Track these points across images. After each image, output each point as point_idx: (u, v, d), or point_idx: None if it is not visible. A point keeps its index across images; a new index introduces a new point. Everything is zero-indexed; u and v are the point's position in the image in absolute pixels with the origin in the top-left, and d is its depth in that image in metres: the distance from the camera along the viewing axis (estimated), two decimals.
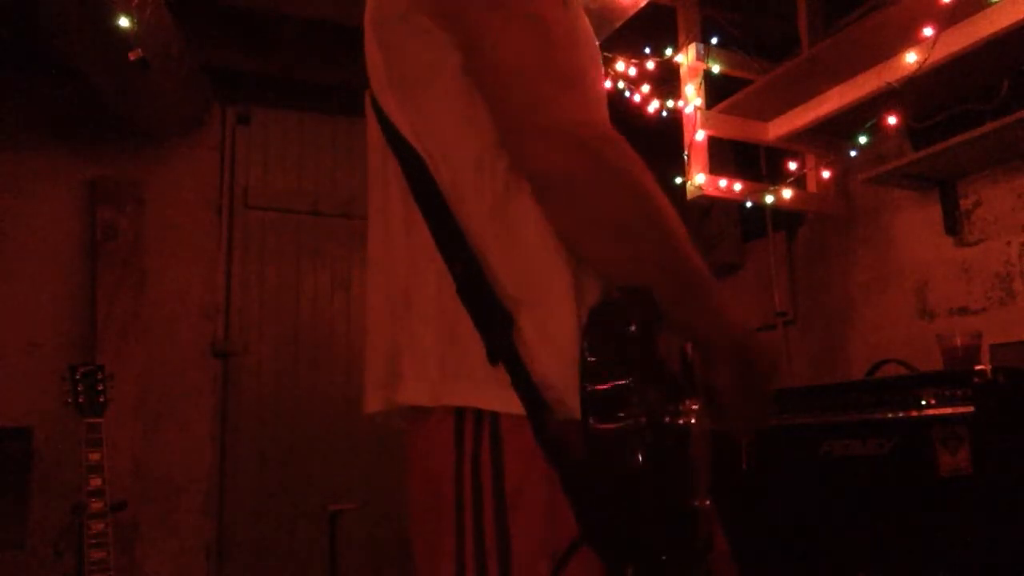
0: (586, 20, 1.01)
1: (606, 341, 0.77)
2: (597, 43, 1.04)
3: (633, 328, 0.77)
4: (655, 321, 0.78)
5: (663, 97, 3.16)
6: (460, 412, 0.82)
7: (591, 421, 0.75)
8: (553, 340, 0.81)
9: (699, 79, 3.01)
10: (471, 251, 0.84)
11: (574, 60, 0.85)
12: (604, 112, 0.93)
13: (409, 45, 0.91)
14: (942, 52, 2.39)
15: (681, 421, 0.80)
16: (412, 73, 0.91)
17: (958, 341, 2.27)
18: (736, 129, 3.09)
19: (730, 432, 0.91)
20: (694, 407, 0.82)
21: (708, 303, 0.85)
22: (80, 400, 2.46)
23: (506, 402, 0.80)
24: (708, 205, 3.66)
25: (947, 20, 2.34)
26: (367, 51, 0.97)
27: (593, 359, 0.77)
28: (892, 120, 2.64)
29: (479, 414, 0.81)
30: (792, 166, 3.11)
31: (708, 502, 0.83)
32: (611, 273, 0.82)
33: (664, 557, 0.77)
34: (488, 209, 0.85)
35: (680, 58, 3.05)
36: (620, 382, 0.75)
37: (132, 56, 2.46)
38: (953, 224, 2.86)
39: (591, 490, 0.76)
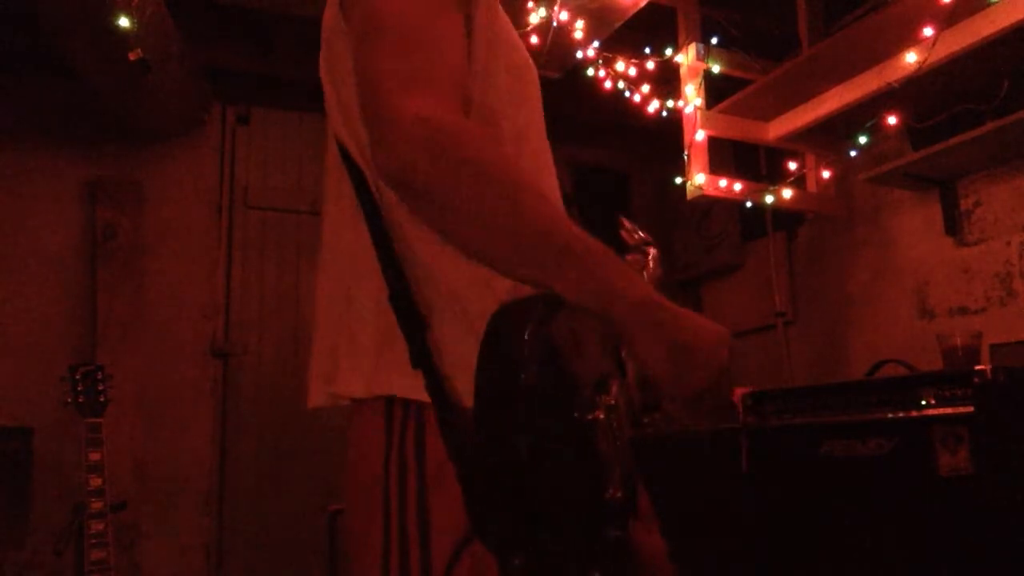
0: (508, 34, 1.03)
1: (503, 342, 0.78)
2: (526, 69, 1.05)
3: (530, 326, 0.77)
4: (554, 316, 0.78)
5: (663, 97, 3.16)
6: (390, 401, 0.90)
7: (481, 417, 0.78)
8: (459, 341, 0.87)
9: (699, 79, 3.01)
10: (397, 260, 0.91)
11: (432, 70, 0.84)
12: (461, 107, 0.88)
13: (340, 63, 0.97)
14: (942, 52, 2.39)
15: (588, 416, 0.81)
16: (347, 90, 0.96)
17: (958, 341, 2.26)
18: (736, 129, 3.09)
19: (682, 412, 0.88)
20: (609, 402, 0.83)
21: (593, 273, 0.79)
22: (80, 400, 2.46)
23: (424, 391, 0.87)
24: (708, 205, 3.66)
25: (947, 20, 2.34)
26: (320, 72, 1.02)
27: (491, 358, 0.78)
28: (892, 120, 2.64)
29: (407, 403, 0.89)
30: (792, 166, 3.11)
31: (619, 494, 0.83)
32: (480, 260, 0.82)
33: (555, 548, 0.77)
34: (406, 218, 0.91)
35: (680, 58, 3.05)
36: (515, 381, 0.76)
37: (132, 56, 2.46)
38: (953, 224, 2.86)
39: (478, 483, 0.80)
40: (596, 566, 0.80)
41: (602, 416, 0.82)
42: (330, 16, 1.00)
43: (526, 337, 0.77)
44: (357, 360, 0.93)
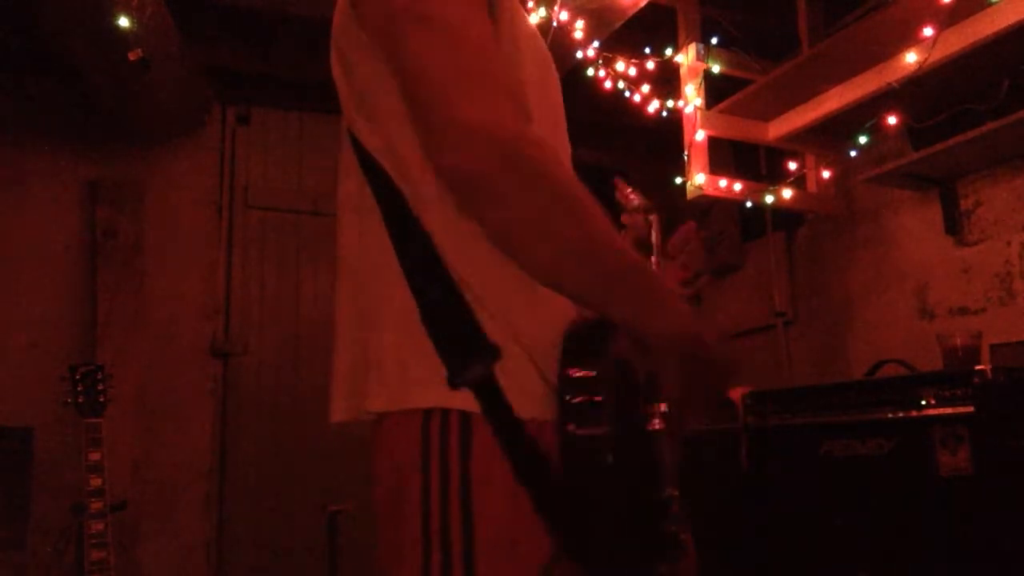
0: (528, 25, 1.03)
1: (581, 361, 0.83)
2: (545, 59, 1.05)
3: (602, 346, 0.83)
4: (618, 335, 0.83)
5: (663, 97, 3.16)
6: (427, 412, 0.87)
7: (567, 435, 0.81)
8: (525, 367, 0.85)
9: (699, 79, 3.01)
10: (449, 278, 0.88)
11: (485, 64, 0.85)
12: (523, 114, 0.91)
13: (360, 63, 0.96)
14: (942, 52, 2.39)
15: (648, 427, 0.87)
16: (368, 91, 0.95)
17: (958, 341, 2.26)
18: (736, 129, 3.09)
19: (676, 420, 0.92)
20: (662, 409, 0.88)
21: (639, 297, 0.83)
22: (80, 400, 2.46)
23: (473, 404, 0.85)
24: (708, 205, 3.65)
25: (947, 20, 2.34)
26: (335, 77, 1.01)
27: (568, 378, 0.83)
28: (892, 120, 2.64)
29: (446, 412, 0.86)
30: (792, 166, 3.11)
31: (675, 492, 0.88)
32: (533, 272, 0.83)
33: (633, 558, 0.83)
34: (454, 225, 0.87)
35: (680, 58, 3.05)
36: (592, 399, 0.82)
37: (132, 56, 2.46)
38: (953, 224, 2.85)
39: (566, 507, 0.81)
40: (662, 560, 0.86)
41: (659, 425, 0.88)
42: (341, 20, 0.98)
43: (602, 358, 0.83)
44: (383, 373, 0.90)
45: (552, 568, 0.81)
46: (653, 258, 1.16)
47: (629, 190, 1.24)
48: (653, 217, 1.20)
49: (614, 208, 1.22)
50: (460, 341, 0.86)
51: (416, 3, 0.86)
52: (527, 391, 0.85)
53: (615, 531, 0.82)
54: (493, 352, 0.85)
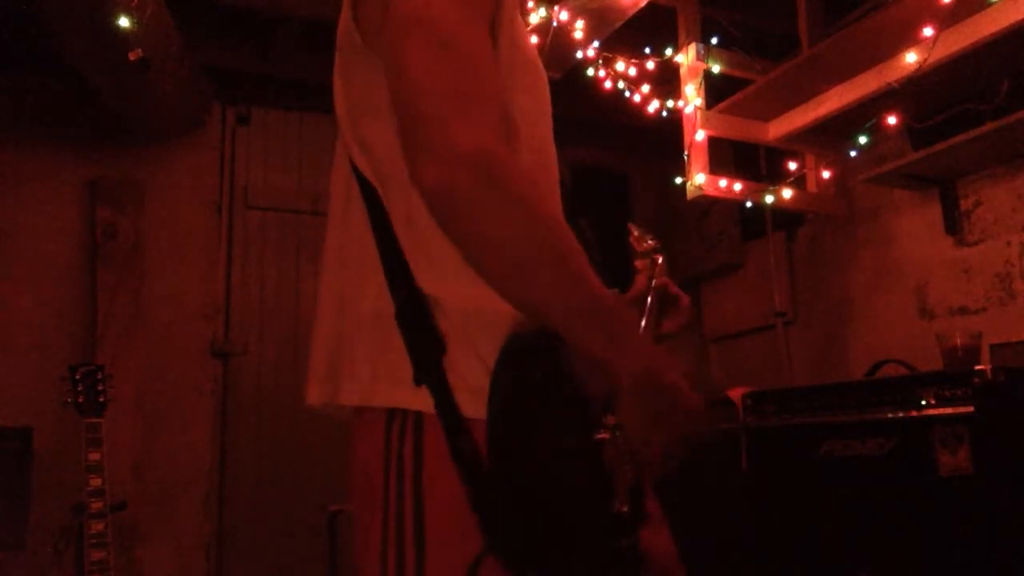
0: (525, 34, 1.03)
1: (519, 365, 0.85)
2: (538, 66, 1.05)
3: (543, 355, 0.84)
4: (563, 343, 0.84)
5: (663, 97, 3.16)
6: (391, 412, 0.91)
7: (494, 435, 0.82)
8: (474, 367, 0.87)
9: (699, 79, 3.01)
10: (412, 281, 0.91)
11: (480, 82, 0.85)
12: (516, 137, 0.92)
13: (359, 80, 0.97)
14: (942, 52, 2.39)
15: (595, 436, 0.87)
16: (364, 107, 0.97)
17: (958, 341, 2.26)
18: (736, 129, 3.09)
19: (640, 453, 0.90)
20: (612, 421, 0.87)
21: (605, 331, 0.83)
22: (80, 400, 2.46)
23: (429, 404, 0.88)
24: (708, 205, 3.66)
25: (947, 20, 2.34)
26: (334, 81, 1.03)
27: (503, 379, 0.84)
28: (892, 120, 2.64)
29: (405, 414, 0.90)
30: (792, 166, 3.11)
31: (625, 508, 0.87)
32: (503, 292, 0.84)
33: (571, 563, 0.83)
34: (423, 236, 0.90)
35: (680, 58, 3.05)
36: (526, 401, 0.83)
37: (132, 56, 2.46)
38: (953, 224, 2.86)
39: (495, 502, 0.83)
40: (610, 574, 0.85)
41: (608, 436, 0.87)
42: (344, 24, 0.99)
43: (540, 361, 0.84)
44: (355, 367, 0.93)
45: (480, 562, 0.83)
46: (650, 299, 1.20)
47: (637, 233, 1.26)
48: (660, 258, 1.23)
49: (624, 250, 1.26)
50: (421, 339, 0.89)
51: (417, 11, 0.86)
52: (474, 389, 0.86)
53: (547, 537, 0.82)
54: (440, 346, 0.88)
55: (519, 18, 1.03)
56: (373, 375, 0.92)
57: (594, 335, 0.83)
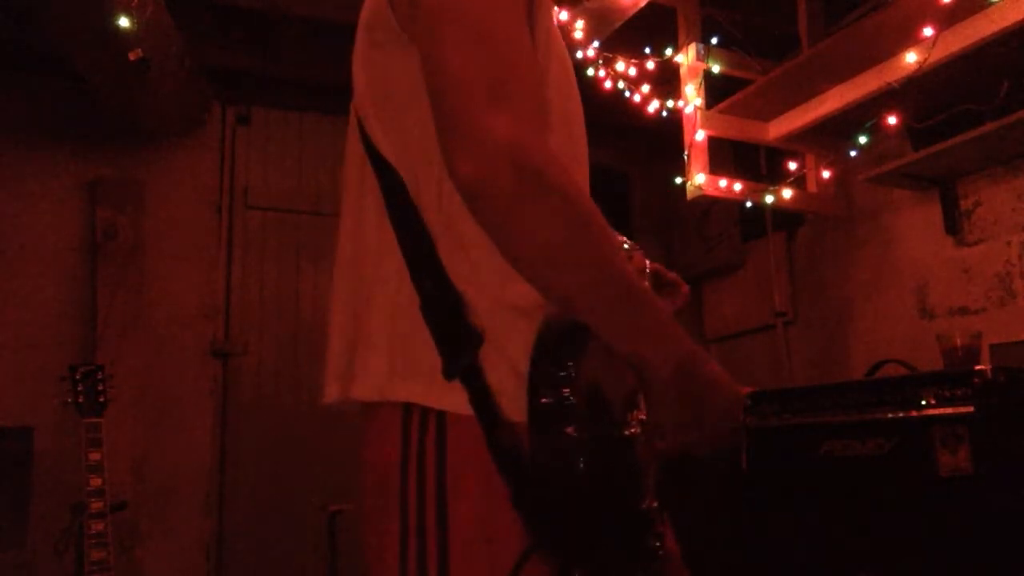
0: (559, 38, 1.02)
1: (553, 362, 0.84)
2: (568, 62, 1.04)
3: (575, 349, 0.84)
4: (593, 337, 0.84)
5: (663, 97, 3.16)
6: (408, 408, 0.89)
7: (537, 433, 0.82)
8: (511, 362, 0.86)
9: (699, 79, 3.01)
10: (440, 271, 0.89)
11: (520, 75, 0.84)
12: (550, 131, 0.90)
13: (392, 63, 0.94)
14: (942, 52, 2.39)
15: (626, 432, 0.87)
16: (394, 92, 0.94)
17: (958, 341, 2.26)
18: (736, 129, 3.09)
19: (682, 451, 0.89)
20: (641, 416, 0.87)
21: (640, 324, 0.82)
22: (80, 400, 2.46)
23: (454, 403, 0.86)
24: (708, 205, 3.66)
25: (947, 20, 2.34)
26: (353, 67, 1.00)
27: (540, 377, 0.84)
28: (892, 120, 2.64)
29: (425, 411, 0.88)
30: (792, 166, 3.11)
31: (655, 504, 0.87)
32: (537, 284, 0.82)
33: (611, 559, 0.83)
34: (456, 230, 0.89)
35: (680, 58, 3.05)
36: (564, 399, 0.83)
37: (132, 56, 2.47)
38: (953, 224, 2.86)
39: (540, 499, 0.82)
40: (640, 570, 0.85)
41: (637, 431, 0.87)
42: (373, 6, 0.97)
43: (575, 355, 0.84)
44: (372, 362, 0.91)
45: (526, 558, 0.82)
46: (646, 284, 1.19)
47: (657, 266, 1.26)
48: (637, 255, 1.22)
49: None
50: (453, 332, 0.87)
51: (457, 1, 0.84)
52: (508, 384, 0.85)
53: (591, 533, 0.82)
54: (477, 339, 0.86)
55: (553, 13, 1.01)
56: (391, 369, 0.90)
57: (628, 329, 0.82)
